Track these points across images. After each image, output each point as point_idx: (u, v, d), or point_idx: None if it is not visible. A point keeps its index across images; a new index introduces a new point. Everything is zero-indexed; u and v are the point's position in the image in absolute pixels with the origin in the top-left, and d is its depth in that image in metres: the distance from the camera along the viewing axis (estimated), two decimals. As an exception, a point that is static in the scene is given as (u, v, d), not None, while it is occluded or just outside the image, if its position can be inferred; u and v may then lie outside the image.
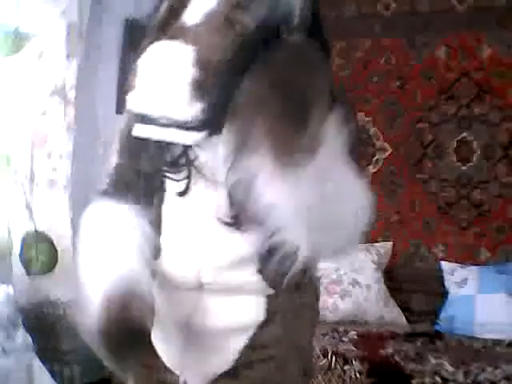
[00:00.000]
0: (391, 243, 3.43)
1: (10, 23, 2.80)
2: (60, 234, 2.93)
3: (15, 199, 2.87)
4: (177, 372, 1.18)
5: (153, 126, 0.95)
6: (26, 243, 2.87)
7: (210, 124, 0.93)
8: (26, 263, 2.87)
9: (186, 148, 1.08)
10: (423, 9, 3.51)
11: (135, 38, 3.34)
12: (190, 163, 1.08)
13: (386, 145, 3.54)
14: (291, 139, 0.85)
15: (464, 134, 3.38)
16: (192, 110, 0.91)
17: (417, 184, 3.48)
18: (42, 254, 2.88)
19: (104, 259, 1.11)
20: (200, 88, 0.89)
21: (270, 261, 1.06)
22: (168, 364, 1.18)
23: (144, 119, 0.95)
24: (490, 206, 3.29)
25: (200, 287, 1.13)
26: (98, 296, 1.05)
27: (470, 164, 3.36)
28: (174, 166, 1.10)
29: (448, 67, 3.42)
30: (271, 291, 1.13)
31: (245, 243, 1.09)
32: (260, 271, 1.11)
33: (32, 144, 2.90)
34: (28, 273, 2.88)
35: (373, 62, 3.60)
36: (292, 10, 0.89)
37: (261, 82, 0.84)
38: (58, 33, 2.91)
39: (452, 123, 3.41)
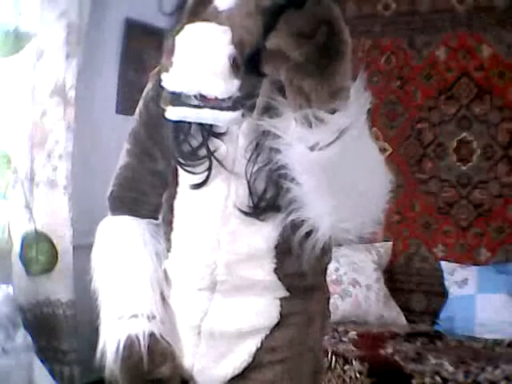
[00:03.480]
0: (391, 243, 3.44)
1: (9, 23, 2.79)
2: (60, 234, 2.92)
3: (15, 199, 2.87)
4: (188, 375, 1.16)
5: (186, 107, 0.94)
6: (26, 243, 2.86)
7: (245, 102, 0.93)
8: (26, 263, 2.87)
9: (206, 139, 1.08)
10: (423, 9, 3.51)
11: (135, 37, 3.36)
12: (210, 154, 1.08)
13: (386, 145, 3.54)
14: (315, 91, 0.83)
15: (464, 134, 3.38)
16: (228, 86, 0.90)
17: (417, 184, 3.48)
18: (41, 254, 2.88)
19: (122, 300, 1.16)
20: (236, 65, 0.90)
21: (288, 251, 1.06)
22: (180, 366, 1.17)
23: (178, 100, 0.94)
24: (490, 206, 3.30)
25: (213, 287, 1.11)
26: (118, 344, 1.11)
27: (470, 164, 3.36)
28: (193, 158, 1.09)
29: (448, 67, 3.43)
30: (286, 293, 1.12)
31: (262, 236, 1.08)
32: (276, 271, 1.10)
33: (32, 144, 2.89)
34: (28, 273, 2.88)
35: (373, 62, 3.60)
36: None
37: (282, 36, 0.83)
38: (58, 33, 2.90)
39: (452, 123, 3.41)
